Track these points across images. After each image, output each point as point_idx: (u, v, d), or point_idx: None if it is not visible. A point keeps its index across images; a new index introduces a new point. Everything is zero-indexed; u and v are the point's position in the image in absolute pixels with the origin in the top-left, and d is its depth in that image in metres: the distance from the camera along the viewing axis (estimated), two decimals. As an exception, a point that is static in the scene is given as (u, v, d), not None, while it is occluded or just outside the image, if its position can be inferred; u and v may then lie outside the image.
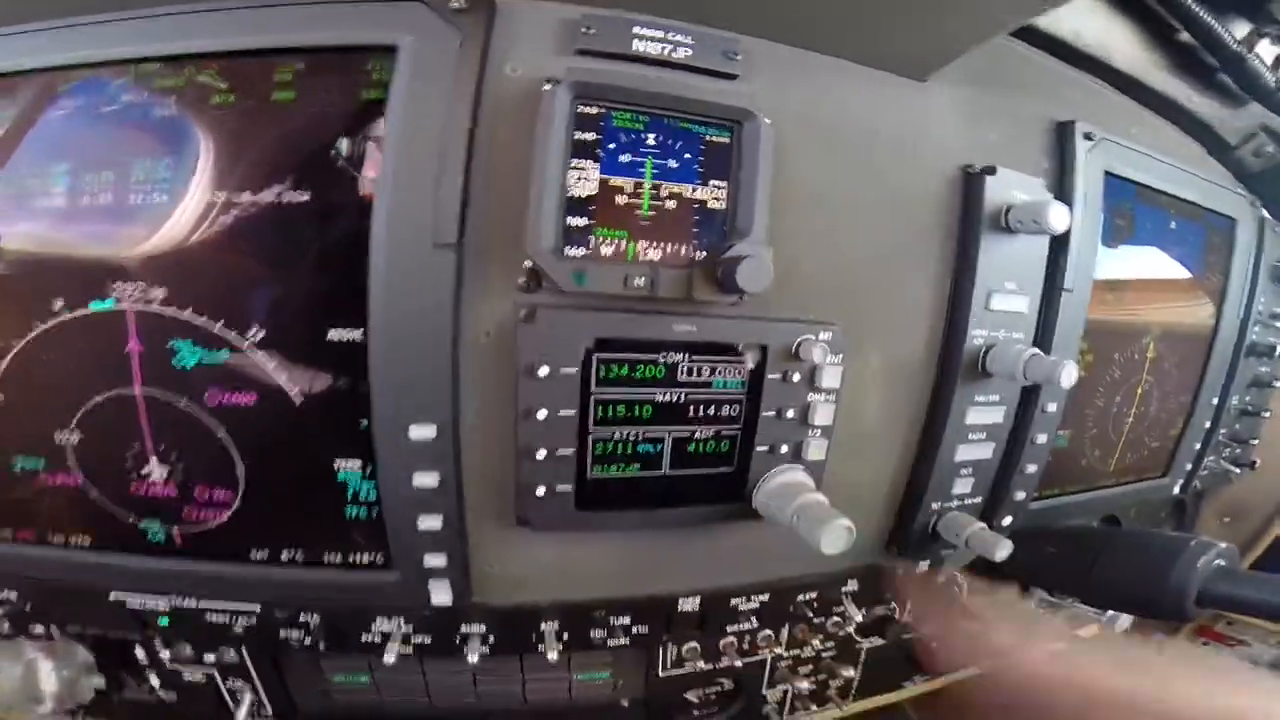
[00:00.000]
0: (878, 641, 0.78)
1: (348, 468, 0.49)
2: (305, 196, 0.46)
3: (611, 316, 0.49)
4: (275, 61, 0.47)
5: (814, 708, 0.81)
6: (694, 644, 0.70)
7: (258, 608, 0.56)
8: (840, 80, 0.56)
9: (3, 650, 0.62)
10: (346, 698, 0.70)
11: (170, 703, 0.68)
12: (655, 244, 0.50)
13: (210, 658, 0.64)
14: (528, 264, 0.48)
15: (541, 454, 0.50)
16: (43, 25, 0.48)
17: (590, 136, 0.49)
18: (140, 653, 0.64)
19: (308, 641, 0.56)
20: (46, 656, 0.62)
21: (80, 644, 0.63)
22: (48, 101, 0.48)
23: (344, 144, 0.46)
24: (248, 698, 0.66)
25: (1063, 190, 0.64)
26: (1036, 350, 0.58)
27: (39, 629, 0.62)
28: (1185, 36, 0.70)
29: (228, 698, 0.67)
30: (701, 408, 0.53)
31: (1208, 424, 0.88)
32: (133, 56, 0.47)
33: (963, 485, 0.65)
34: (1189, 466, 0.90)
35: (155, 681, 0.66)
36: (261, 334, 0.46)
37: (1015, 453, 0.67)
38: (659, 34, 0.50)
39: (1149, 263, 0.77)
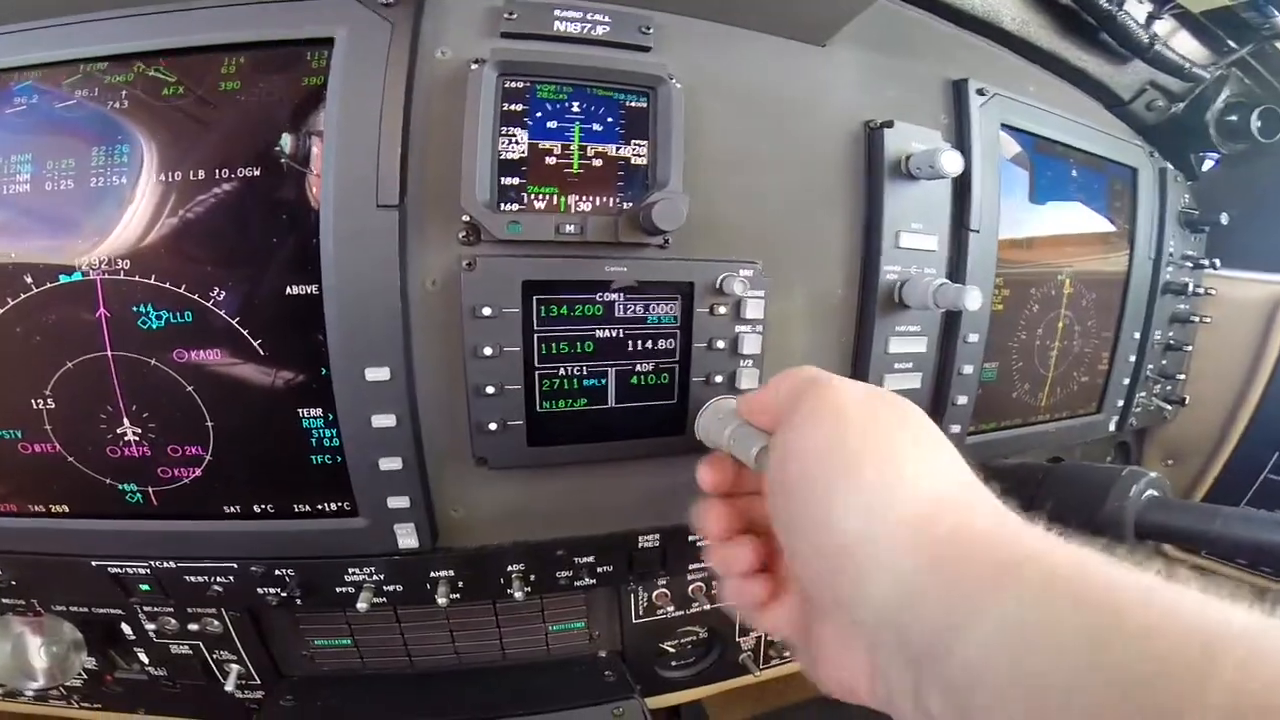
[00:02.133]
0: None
1: (311, 415, 0.53)
2: (257, 171, 0.51)
3: (547, 261, 0.54)
4: (222, 55, 0.51)
5: (788, 654, 0.85)
6: (664, 589, 0.74)
7: (234, 565, 0.59)
8: (747, 48, 0.62)
9: (-10, 628, 0.64)
10: (330, 663, 0.73)
11: (161, 678, 0.70)
12: (585, 198, 0.55)
13: (194, 627, 0.67)
14: (466, 218, 0.53)
15: (490, 389, 0.54)
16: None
17: (518, 107, 0.54)
18: (126, 628, 0.67)
19: (284, 595, 0.59)
20: (34, 632, 0.65)
21: (67, 622, 0.66)
22: (4, 98, 0.52)
23: (287, 141, 0.50)
24: (235, 668, 0.69)
25: (961, 142, 0.70)
26: (944, 279, 0.63)
27: (25, 607, 0.65)
28: (1064, -2, 0.78)
29: (215, 669, 0.70)
30: (640, 342, 0.58)
31: (1133, 359, 0.94)
32: (82, 57, 0.51)
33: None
34: (1121, 403, 0.96)
35: (144, 657, 0.69)
36: (223, 294, 0.51)
37: (944, 384, 0.72)
38: (578, 15, 0.56)
39: (1056, 208, 0.83)
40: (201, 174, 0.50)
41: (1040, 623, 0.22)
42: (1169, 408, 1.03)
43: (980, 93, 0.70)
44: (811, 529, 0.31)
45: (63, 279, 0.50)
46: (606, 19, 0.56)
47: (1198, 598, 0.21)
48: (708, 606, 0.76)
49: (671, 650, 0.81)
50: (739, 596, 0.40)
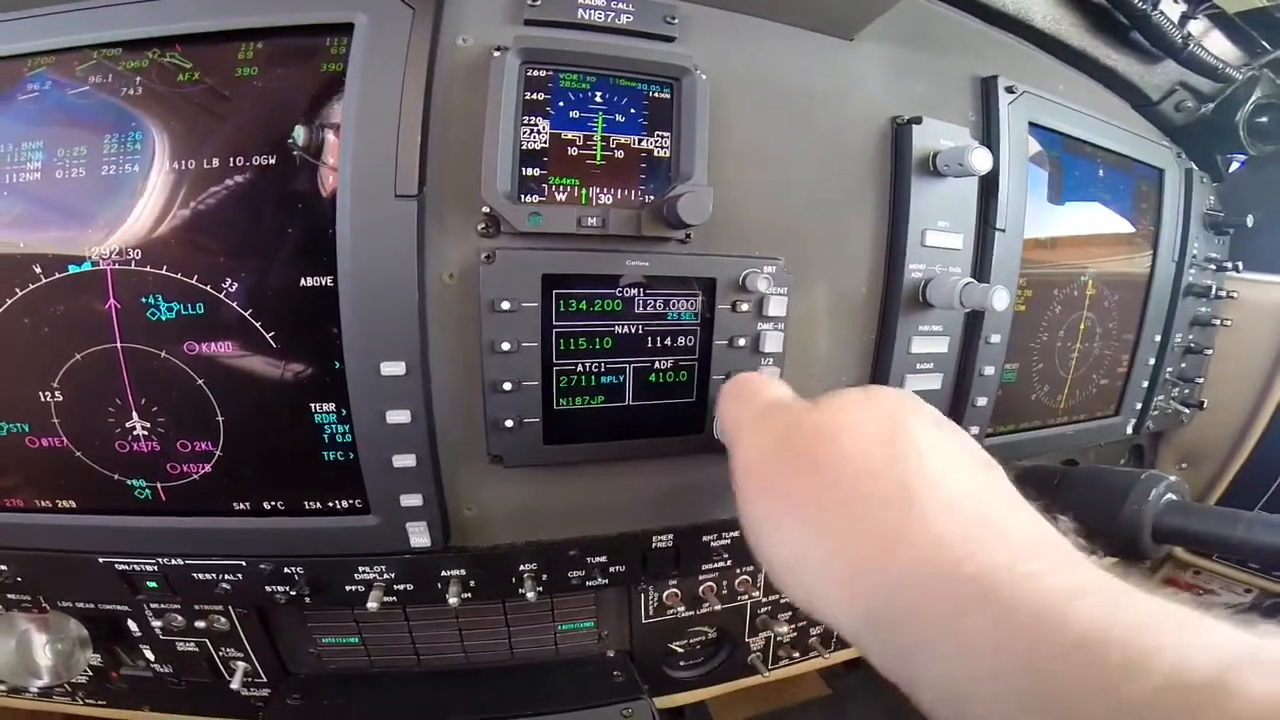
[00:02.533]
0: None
1: (324, 410, 0.52)
2: (273, 160, 0.49)
3: (568, 254, 0.53)
4: (239, 41, 0.50)
5: (797, 655, 0.84)
6: (675, 589, 0.73)
7: (243, 563, 0.58)
8: (773, 40, 0.60)
9: (-4, 624, 0.63)
10: (337, 661, 0.72)
11: (166, 675, 0.69)
12: (606, 189, 0.54)
13: (201, 625, 0.65)
14: (486, 210, 0.51)
15: (508, 386, 0.53)
16: (8, 16, 0.51)
17: (540, 97, 0.53)
18: (132, 625, 0.66)
19: (293, 594, 0.58)
20: (39, 630, 0.64)
21: (72, 618, 0.65)
22: (17, 84, 0.51)
23: (300, 133, 0.48)
24: (241, 666, 0.68)
25: (989, 139, 0.69)
26: (970, 279, 0.62)
27: (30, 603, 0.64)
28: (1098, -4, 0.76)
29: (221, 667, 0.69)
30: (659, 339, 0.57)
31: (1152, 361, 0.93)
32: (96, 43, 0.50)
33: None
34: (1139, 405, 0.94)
35: (150, 655, 0.68)
36: (236, 285, 0.49)
37: (964, 385, 0.71)
38: (602, 2, 0.55)
39: (1081, 208, 0.82)
40: (215, 163, 0.49)
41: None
42: (1187, 411, 1.02)
43: (1010, 90, 0.69)
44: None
45: (72, 269, 0.49)
46: (631, 7, 0.55)
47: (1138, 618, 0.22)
48: (718, 607, 0.75)
49: (680, 650, 0.80)
50: None
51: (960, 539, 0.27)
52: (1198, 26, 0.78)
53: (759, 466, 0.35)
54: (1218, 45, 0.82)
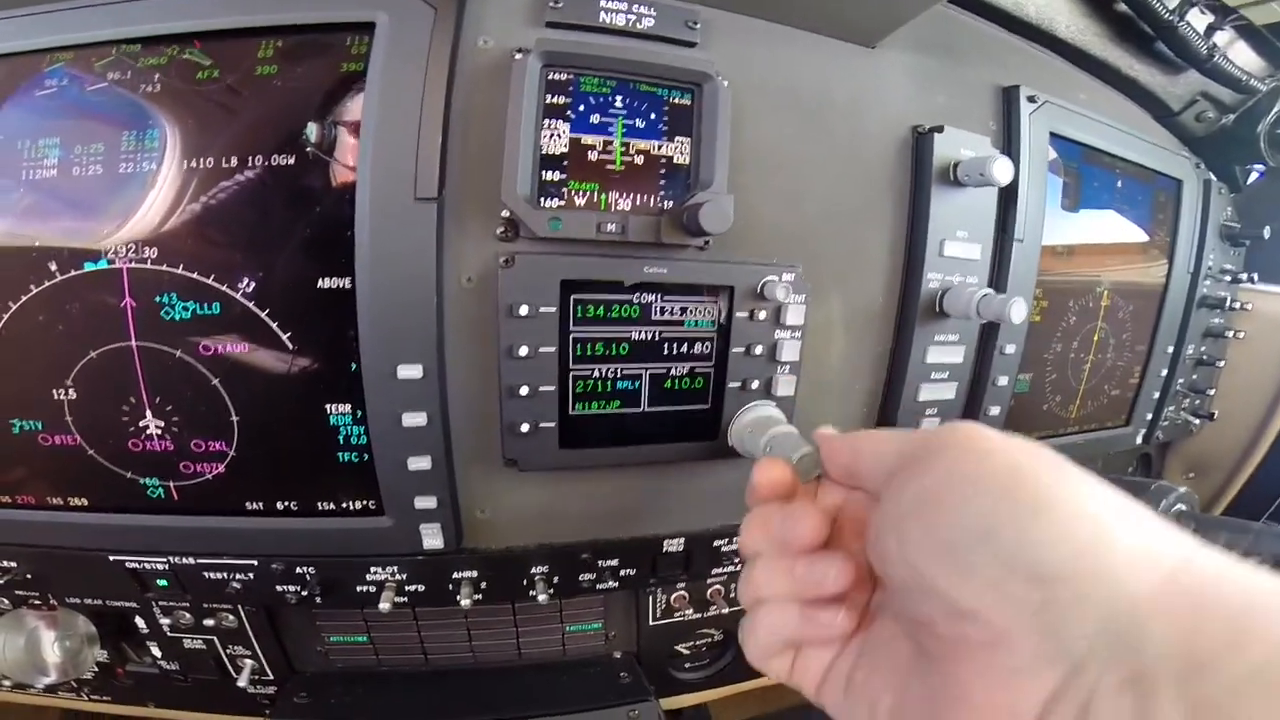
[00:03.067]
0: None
1: (339, 412, 0.52)
2: (291, 160, 0.49)
3: (587, 260, 0.52)
4: (258, 39, 0.50)
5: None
6: (682, 592, 0.73)
7: (255, 562, 0.58)
8: (794, 47, 0.59)
9: (4, 621, 0.63)
10: (345, 660, 0.72)
11: (173, 672, 0.69)
12: (626, 195, 0.53)
13: (209, 622, 0.65)
14: (505, 214, 0.51)
15: (524, 390, 0.53)
16: (28, 11, 0.50)
17: (561, 100, 0.52)
18: (140, 622, 0.66)
19: (304, 594, 0.58)
20: (48, 627, 0.64)
21: (81, 615, 0.65)
22: (36, 79, 0.50)
23: (312, 130, 0.48)
24: (249, 664, 0.68)
25: (1010, 149, 0.68)
26: (989, 290, 0.62)
27: (39, 600, 0.64)
28: (1122, 6, 0.75)
29: (229, 664, 0.69)
30: (676, 345, 0.56)
31: (1164, 372, 0.92)
32: (115, 38, 0.49)
33: (929, 426, 0.69)
34: (1150, 416, 0.94)
35: (157, 651, 0.68)
36: (253, 285, 0.49)
37: (978, 395, 0.70)
38: (624, 6, 0.54)
39: (1099, 219, 0.81)
40: (234, 161, 0.48)
41: None
42: (1197, 422, 1.01)
43: (1031, 100, 0.68)
44: (998, 558, 0.26)
45: (88, 266, 0.49)
46: (653, 11, 0.54)
47: None
48: (725, 610, 0.75)
49: (686, 652, 0.80)
50: (812, 626, 0.33)
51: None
52: (1223, 37, 0.77)
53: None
54: (1242, 56, 0.81)
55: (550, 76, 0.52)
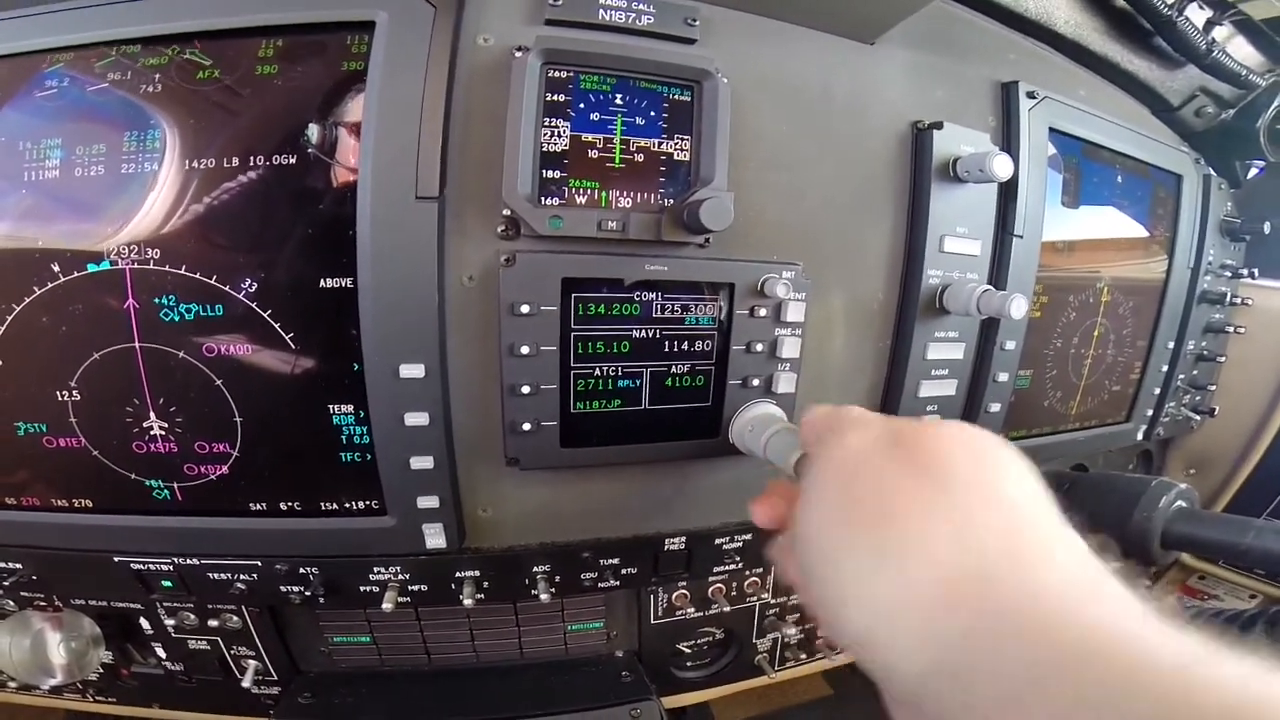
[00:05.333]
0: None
1: (342, 412, 0.52)
2: (292, 159, 0.49)
3: (587, 258, 0.53)
4: (258, 39, 0.50)
5: (804, 656, 0.84)
6: (684, 590, 0.73)
7: (258, 563, 0.58)
8: (794, 44, 0.60)
9: (10, 623, 0.63)
10: (348, 660, 0.72)
11: (177, 673, 0.69)
12: (626, 193, 0.53)
13: (214, 623, 0.66)
14: (506, 212, 0.51)
15: (526, 389, 0.53)
16: (27, 11, 0.50)
17: (560, 98, 0.52)
18: (145, 623, 0.66)
19: (308, 594, 0.58)
20: (54, 628, 0.64)
21: (86, 616, 0.65)
22: (36, 80, 0.50)
23: (313, 131, 0.48)
24: (253, 664, 0.68)
25: (1009, 145, 0.68)
26: (989, 286, 0.62)
27: (45, 601, 0.64)
28: (1121, 1, 0.75)
29: (233, 665, 0.69)
30: (676, 343, 0.57)
31: (1165, 368, 0.92)
32: (115, 39, 0.49)
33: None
34: (1150, 412, 0.94)
35: (161, 652, 0.68)
36: (255, 286, 0.49)
37: (978, 391, 0.71)
38: (623, 3, 0.54)
39: (1099, 214, 0.81)
40: (235, 161, 0.48)
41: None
42: (1197, 418, 1.02)
43: (1031, 95, 0.68)
44: (823, 608, 0.29)
45: (91, 268, 0.49)
46: (652, 9, 0.55)
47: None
48: (727, 608, 0.75)
49: (688, 651, 0.80)
50: None
51: (1062, 591, 0.24)
52: (1222, 32, 0.77)
53: (860, 458, 0.30)
54: (1241, 51, 0.81)
55: (550, 74, 0.52)
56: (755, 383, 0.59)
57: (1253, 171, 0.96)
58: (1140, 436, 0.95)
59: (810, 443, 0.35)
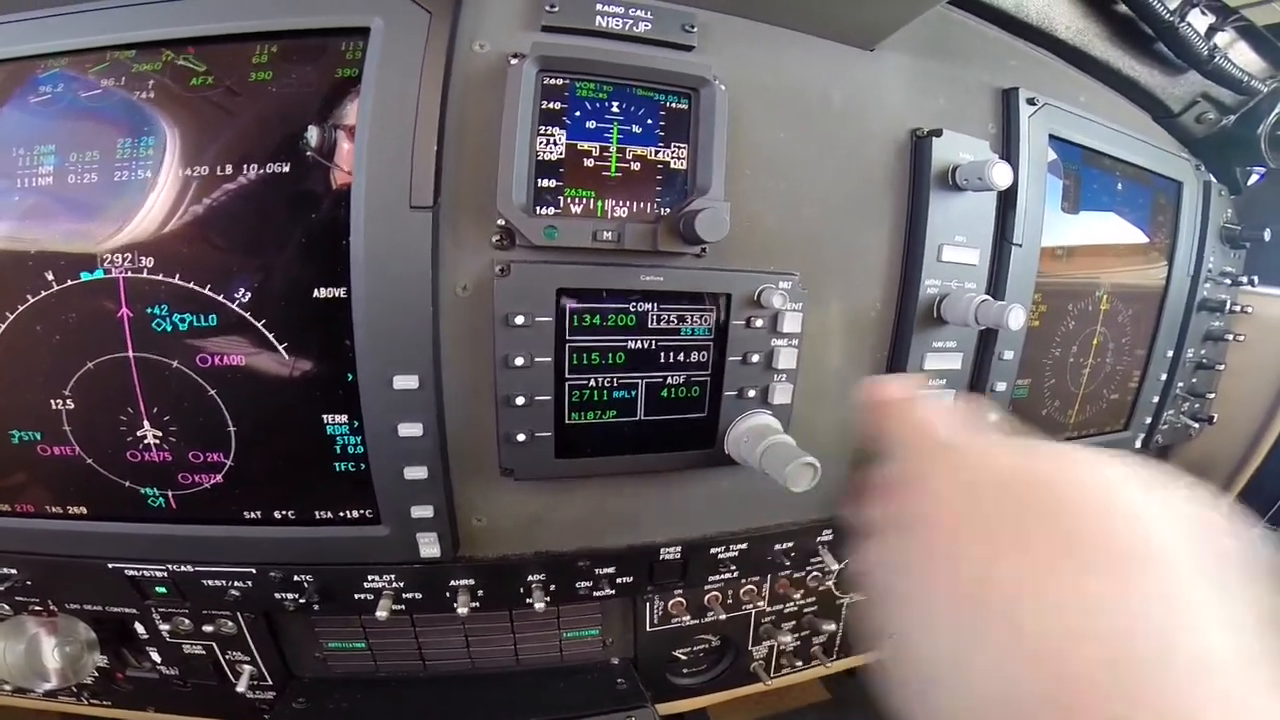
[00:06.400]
0: (859, 598, 0.81)
1: (336, 422, 0.52)
2: (286, 167, 0.49)
3: (582, 268, 0.52)
4: (252, 44, 0.49)
5: (799, 664, 0.84)
6: (679, 598, 0.73)
7: (253, 570, 0.58)
8: (792, 50, 0.59)
9: (5, 627, 0.63)
10: (343, 665, 0.72)
11: (172, 677, 0.69)
12: (622, 202, 0.53)
13: (208, 628, 0.65)
14: (501, 222, 0.51)
15: (520, 400, 0.53)
16: (21, 16, 0.50)
17: (556, 106, 0.52)
18: (140, 628, 0.66)
19: (302, 602, 0.58)
20: (49, 633, 0.64)
21: (81, 620, 0.65)
22: (30, 85, 0.50)
23: (312, 134, 0.47)
24: (247, 669, 0.68)
25: (1009, 152, 0.68)
26: (986, 296, 0.61)
27: (40, 606, 0.64)
28: (1122, 7, 0.75)
29: (228, 670, 0.69)
30: (672, 354, 0.56)
31: (1164, 376, 0.92)
32: (110, 44, 0.49)
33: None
34: (1149, 420, 0.94)
35: (156, 657, 0.68)
36: (249, 295, 0.49)
37: (976, 401, 0.70)
38: (620, 10, 0.54)
39: (1098, 221, 0.81)
40: (229, 169, 0.48)
41: None
42: (1196, 426, 1.01)
43: (1031, 102, 0.68)
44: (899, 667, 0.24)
45: (84, 276, 0.48)
46: (649, 15, 0.54)
47: None
48: (722, 616, 0.75)
49: (683, 658, 0.80)
50: None
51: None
52: (1224, 38, 0.77)
53: (949, 518, 0.25)
54: (1243, 57, 0.81)
55: (546, 81, 0.52)
56: (751, 393, 0.59)
57: (1253, 178, 0.95)
58: (1139, 444, 0.95)
59: (893, 435, 0.29)
